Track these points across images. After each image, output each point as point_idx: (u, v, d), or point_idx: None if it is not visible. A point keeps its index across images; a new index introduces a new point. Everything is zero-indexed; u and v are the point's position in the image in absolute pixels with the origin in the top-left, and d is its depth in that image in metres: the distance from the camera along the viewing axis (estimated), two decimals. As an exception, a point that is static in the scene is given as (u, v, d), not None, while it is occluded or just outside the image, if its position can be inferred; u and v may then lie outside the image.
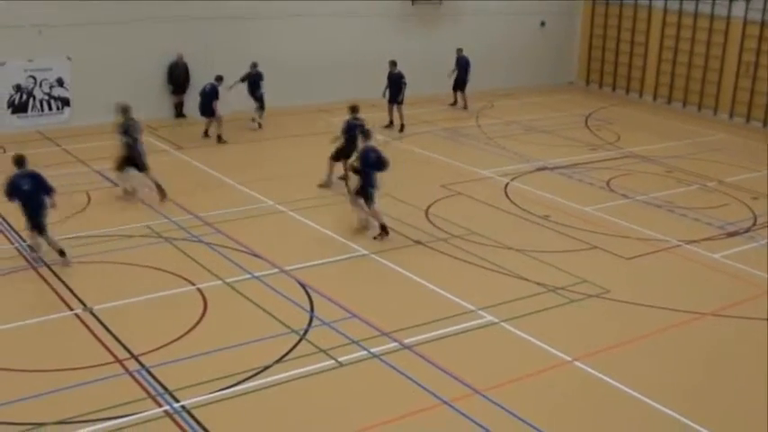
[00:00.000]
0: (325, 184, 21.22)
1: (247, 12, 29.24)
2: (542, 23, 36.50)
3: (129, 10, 27.24)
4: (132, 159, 20.27)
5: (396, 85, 27.39)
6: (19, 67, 26.34)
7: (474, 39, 33.46)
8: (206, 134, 26.01)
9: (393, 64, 27.67)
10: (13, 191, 16.48)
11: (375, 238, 17.96)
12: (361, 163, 18.30)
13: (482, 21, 34.52)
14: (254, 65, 27.10)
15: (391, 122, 27.83)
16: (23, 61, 26.32)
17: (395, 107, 27.62)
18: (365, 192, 18.06)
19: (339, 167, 21.23)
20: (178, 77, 28.36)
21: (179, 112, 28.80)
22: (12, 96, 26.41)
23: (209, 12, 28.58)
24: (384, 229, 18.03)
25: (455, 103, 32.05)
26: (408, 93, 27.88)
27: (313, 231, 18.49)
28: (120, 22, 27.16)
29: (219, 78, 25.53)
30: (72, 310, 14.74)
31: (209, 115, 25.56)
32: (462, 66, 31.34)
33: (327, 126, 25.81)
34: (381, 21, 32.36)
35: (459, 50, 31.34)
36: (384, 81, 27.77)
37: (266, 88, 27.36)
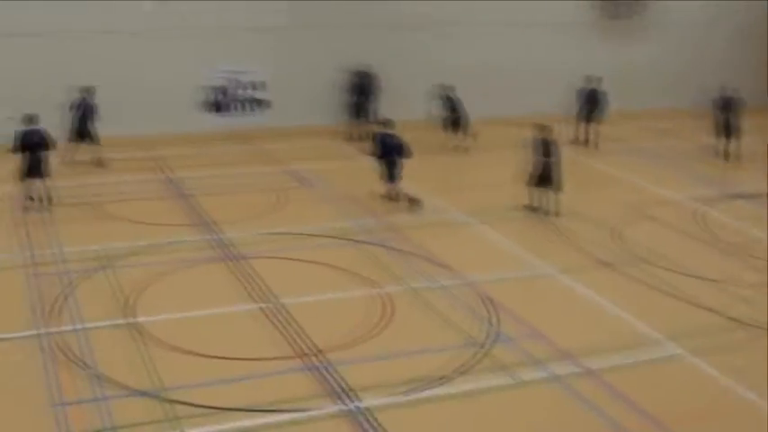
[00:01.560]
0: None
1: (437, 20, 29.27)
2: None
3: (326, 15, 27.84)
4: None
5: (593, 101, 26.77)
6: (219, 70, 27.33)
7: (670, 51, 32.37)
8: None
9: (591, 80, 27.03)
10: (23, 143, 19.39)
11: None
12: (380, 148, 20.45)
13: (680, 32, 32.90)
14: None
15: (586, 140, 27.13)
16: (225, 63, 27.29)
17: (590, 125, 26.97)
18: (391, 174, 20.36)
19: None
20: (360, 86, 28.50)
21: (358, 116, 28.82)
22: (213, 97, 27.42)
23: (406, 20, 28.80)
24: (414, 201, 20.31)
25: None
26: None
27: (500, 244, 18.33)
28: (317, 26, 27.79)
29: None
30: (260, 302, 15.12)
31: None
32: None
33: (510, 139, 25.55)
34: (570, 31, 31.55)
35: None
36: (573, 95, 27.20)
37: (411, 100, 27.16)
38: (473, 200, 21.10)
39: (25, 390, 12.25)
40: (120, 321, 14.36)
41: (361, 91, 28.12)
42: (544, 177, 19.97)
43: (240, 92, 27.81)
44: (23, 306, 14.93)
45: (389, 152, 20.62)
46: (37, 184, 19.97)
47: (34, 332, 13.94)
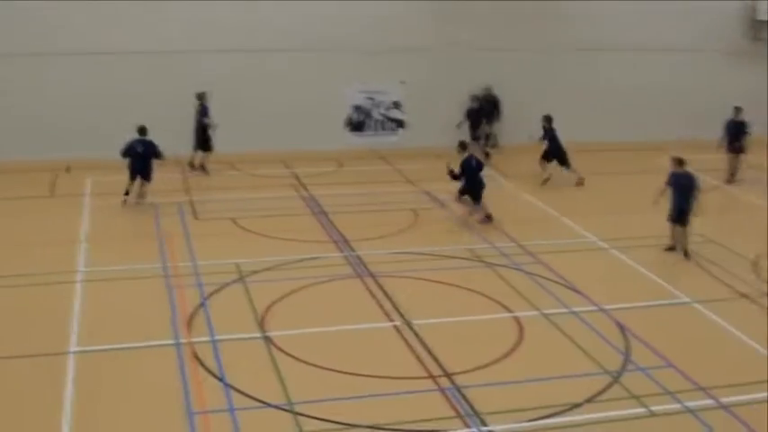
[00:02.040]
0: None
1: (580, 44, 29.14)
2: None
3: (468, 37, 28.03)
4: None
5: (737, 132, 25.93)
6: (357, 89, 27.69)
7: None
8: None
9: (738, 111, 26.13)
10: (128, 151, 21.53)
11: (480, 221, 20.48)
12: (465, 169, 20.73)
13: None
14: None
15: (732, 172, 26.09)
16: (361, 84, 27.66)
17: (736, 156, 26.04)
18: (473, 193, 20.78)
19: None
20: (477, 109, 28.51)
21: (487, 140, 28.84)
22: (350, 116, 27.80)
23: (547, 44, 28.75)
24: (489, 217, 20.74)
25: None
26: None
27: (634, 271, 17.95)
28: (458, 48, 27.98)
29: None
30: (391, 321, 15.21)
31: None
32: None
33: (643, 164, 25.13)
34: (713, 57, 30.74)
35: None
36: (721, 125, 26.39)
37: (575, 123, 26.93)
38: (608, 225, 20.72)
39: (162, 397, 12.63)
40: (254, 334, 14.67)
41: (477, 114, 28.31)
42: (682, 213, 18.79)
43: (378, 111, 28.07)
44: (162, 315, 15.41)
45: (472, 174, 20.86)
46: (137, 184, 21.85)
47: (171, 341, 14.37)
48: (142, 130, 21.97)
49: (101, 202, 22.28)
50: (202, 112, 25.02)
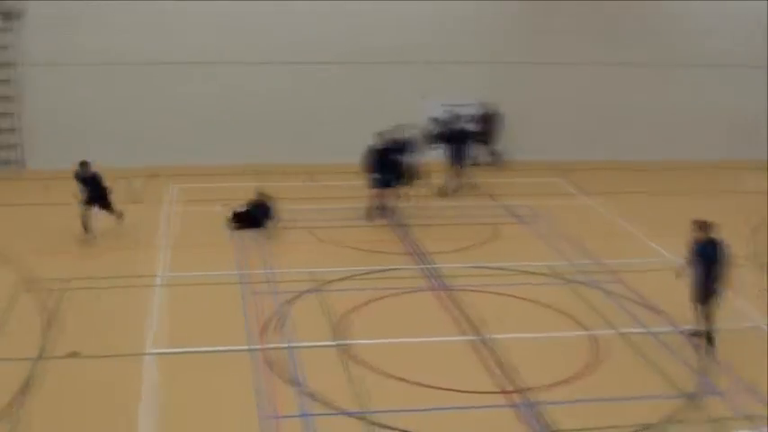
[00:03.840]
0: None
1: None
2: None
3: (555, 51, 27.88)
4: None
5: None
6: (441, 102, 27.64)
7: None
8: None
9: None
10: None
11: None
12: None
13: None
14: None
15: None
16: (446, 96, 27.62)
17: None
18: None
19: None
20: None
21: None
22: (429, 128, 27.71)
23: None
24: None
25: None
26: None
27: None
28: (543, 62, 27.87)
29: None
30: (466, 335, 15.15)
31: None
32: None
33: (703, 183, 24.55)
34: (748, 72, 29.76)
35: None
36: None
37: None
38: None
39: (235, 402, 12.76)
40: (330, 342, 14.75)
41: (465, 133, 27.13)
42: (708, 289, 14.90)
43: (458, 125, 27.88)
44: (237, 322, 15.59)
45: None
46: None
47: (246, 347, 14.53)
48: (83, 164, 20.11)
49: (183, 209, 22.64)
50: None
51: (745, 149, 28.52)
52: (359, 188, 23.21)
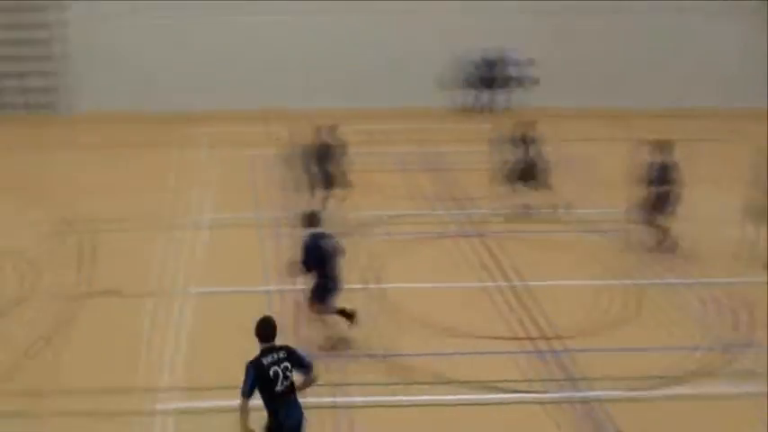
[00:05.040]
0: None
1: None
2: None
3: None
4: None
5: None
6: (487, 47, 27.14)
7: None
8: None
9: None
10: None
11: None
12: None
13: None
14: None
15: None
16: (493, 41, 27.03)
17: None
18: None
19: None
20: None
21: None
22: (479, 72, 27.34)
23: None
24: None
25: None
26: None
27: (756, 243, 16.68)
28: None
29: None
30: (498, 281, 15.10)
31: None
32: None
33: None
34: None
35: None
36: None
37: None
38: (727, 195, 19.35)
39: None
40: (364, 286, 14.71)
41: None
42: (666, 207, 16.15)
43: (506, 70, 27.44)
44: (273, 263, 15.55)
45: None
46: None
47: (268, 287, 14.65)
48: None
49: (230, 153, 22.55)
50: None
51: None
52: (400, 132, 23.11)
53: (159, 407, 11.44)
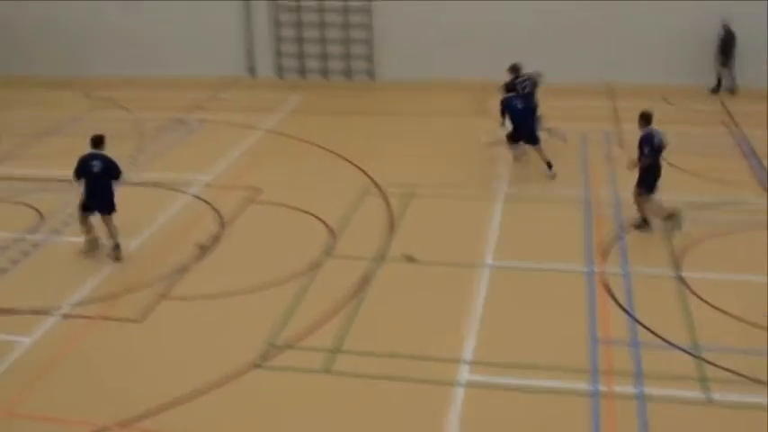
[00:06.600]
0: None
1: None
2: None
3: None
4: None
5: None
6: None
7: None
8: None
9: None
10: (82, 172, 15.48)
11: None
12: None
13: None
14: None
15: None
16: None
17: None
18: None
19: None
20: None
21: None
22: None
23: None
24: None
25: None
26: None
27: None
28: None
29: None
30: None
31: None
32: None
33: None
34: None
35: None
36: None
37: None
38: None
39: (567, 320, 13.10)
40: (666, 272, 14.53)
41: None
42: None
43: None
44: (577, 241, 15.76)
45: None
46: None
47: (584, 268, 14.69)
48: (97, 141, 15.59)
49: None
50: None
51: None
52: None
53: (458, 378, 11.79)
